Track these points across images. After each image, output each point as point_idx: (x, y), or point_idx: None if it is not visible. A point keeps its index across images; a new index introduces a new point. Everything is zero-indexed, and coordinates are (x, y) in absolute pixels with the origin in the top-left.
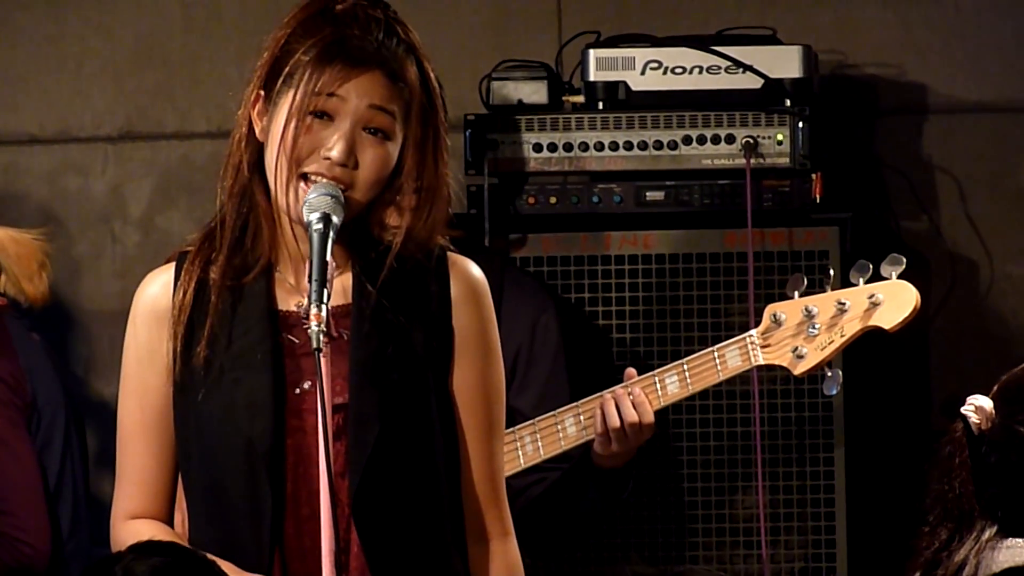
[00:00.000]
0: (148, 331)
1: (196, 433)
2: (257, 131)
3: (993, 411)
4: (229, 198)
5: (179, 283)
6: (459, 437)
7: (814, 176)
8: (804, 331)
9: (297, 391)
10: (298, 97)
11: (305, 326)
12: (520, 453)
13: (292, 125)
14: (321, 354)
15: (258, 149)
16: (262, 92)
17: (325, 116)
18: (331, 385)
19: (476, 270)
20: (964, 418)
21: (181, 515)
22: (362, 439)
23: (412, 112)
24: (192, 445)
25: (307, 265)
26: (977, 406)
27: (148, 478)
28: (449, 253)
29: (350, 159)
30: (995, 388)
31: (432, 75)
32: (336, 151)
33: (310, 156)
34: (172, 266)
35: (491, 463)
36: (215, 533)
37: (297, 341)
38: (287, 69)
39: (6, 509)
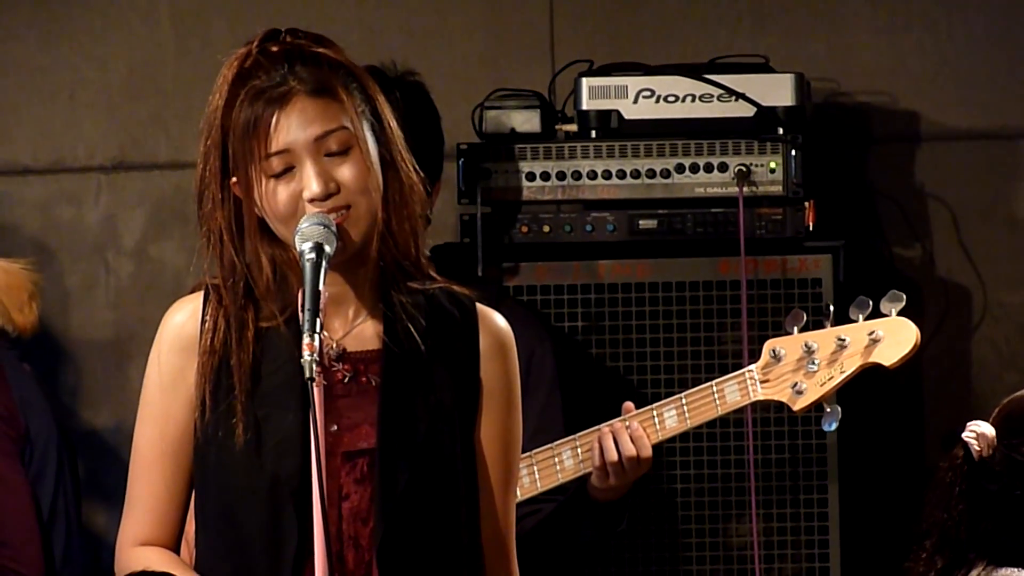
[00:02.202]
0: (173, 359)
1: (216, 466)
2: (256, 209)
3: (994, 437)
4: (224, 268)
5: (207, 314)
6: (478, 488)
7: (807, 204)
8: (804, 367)
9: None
10: (253, 173)
11: (335, 368)
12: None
13: (267, 200)
14: (314, 383)
15: (243, 214)
16: (234, 180)
17: (286, 173)
18: (359, 429)
19: (504, 323)
20: (965, 444)
21: (188, 548)
22: (388, 486)
23: (353, 112)
24: (211, 478)
25: (303, 299)
26: (979, 433)
27: (159, 506)
28: (478, 305)
29: (331, 186)
30: (995, 414)
31: (356, 67)
32: (314, 189)
33: (298, 208)
34: (200, 295)
35: (505, 516)
36: (229, 567)
37: (327, 383)
38: (232, 153)
39: (1, 539)
